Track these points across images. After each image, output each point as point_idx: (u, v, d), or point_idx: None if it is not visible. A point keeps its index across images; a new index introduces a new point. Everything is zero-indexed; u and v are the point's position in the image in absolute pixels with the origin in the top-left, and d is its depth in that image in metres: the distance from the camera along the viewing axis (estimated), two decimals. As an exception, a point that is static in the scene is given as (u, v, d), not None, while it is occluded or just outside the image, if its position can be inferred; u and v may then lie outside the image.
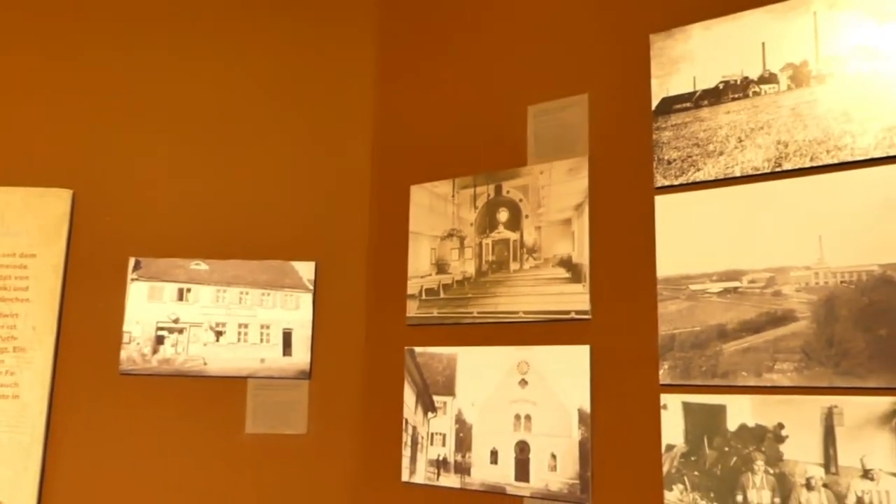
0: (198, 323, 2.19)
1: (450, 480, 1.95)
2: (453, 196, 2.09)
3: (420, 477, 2.01)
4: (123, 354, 2.17)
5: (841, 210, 1.51)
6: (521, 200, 1.97)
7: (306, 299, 2.22)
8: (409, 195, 2.18)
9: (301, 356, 2.19)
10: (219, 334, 2.19)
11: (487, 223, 2.02)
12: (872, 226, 1.47)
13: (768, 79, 1.64)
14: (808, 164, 1.56)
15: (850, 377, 1.45)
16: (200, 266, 2.22)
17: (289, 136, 2.33)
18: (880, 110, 1.49)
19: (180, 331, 2.18)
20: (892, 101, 1.48)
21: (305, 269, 2.24)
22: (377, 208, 2.27)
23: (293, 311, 2.21)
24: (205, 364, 2.17)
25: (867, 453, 1.40)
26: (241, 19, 2.39)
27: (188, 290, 2.21)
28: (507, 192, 2.00)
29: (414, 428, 2.05)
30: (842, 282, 1.49)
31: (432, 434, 2.01)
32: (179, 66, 2.36)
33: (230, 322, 2.19)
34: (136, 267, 2.21)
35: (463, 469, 1.93)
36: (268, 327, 2.20)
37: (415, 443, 2.04)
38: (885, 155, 1.47)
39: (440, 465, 1.98)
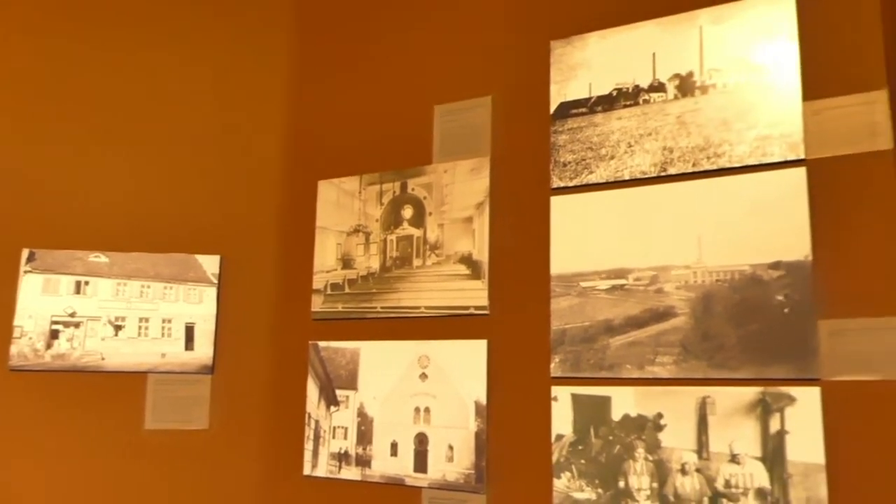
0: (96, 317, 2.15)
1: (351, 473, 1.98)
2: (360, 192, 2.12)
3: (322, 470, 2.03)
4: (14, 350, 2.10)
5: (718, 213, 1.61)
6: (425, 198, 2.01)
7: (210, 293, 2.20)
8: (317, 190, 2.19)
9: (204, 350, 2.17)
10: (118, 328, 2.15)
11: (392, 220, 2.06)
12: (745, 229, 1.57)
13: (657, 88, 1.73)
14: (690, 170, 1.66)
15: (723, 369, 1.55)
16: (100, 258, 2.18)
17: (197, 130, 2.31)
18: (755, 120, 1.60)
19: (77, 325, 2.13)
20: (765, 112, 1.59)
21: (210, 263, 2.22)
22: (285, 203, 2.27)
23: (196, 305, 2.19)
24: (102, 359, 2.13)
25: (735, 439, 1.51)
26: (150, 10, 2.35)
27: (86, 283, 2.16)
28: (412, 189, 2.04)
29: (317, 422, 2.06)
30: (717, 280, 1.59)
31: (334, 428, 2.03)
32: (83, 55, 2.30)
33: (130, 316, 2.16)
34: (30, 258, 2.15)
35: (364, 462, 1.96)
36: (170, 321, 2.17)
37: (317, 437, 2.05)
38: (758, 162, 1.58)
39: (342, 458, 2.00)
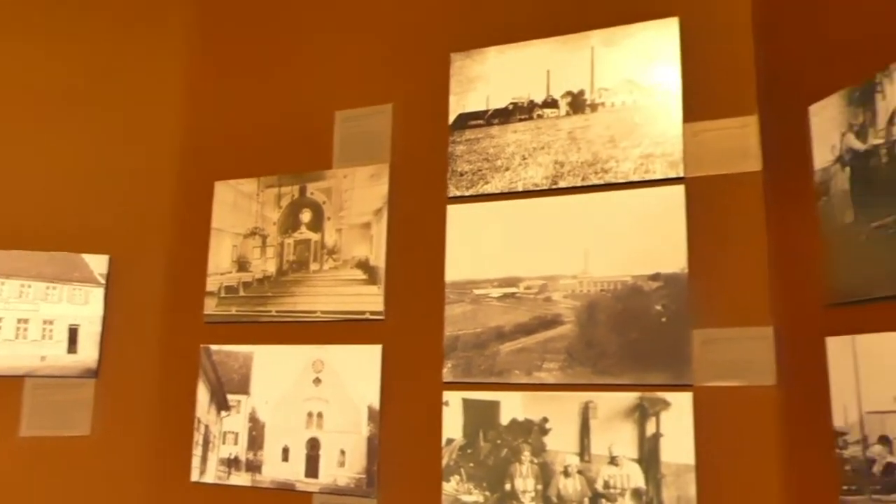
0: (-31, 317, 2.03)
1: (241, 479, 1.95)
2: (258, 194, 2.10)
3: (210, 476, 1.99)
4: None
5: (604, 226, 1.69)
6: (324, 203, 2.01)
7: (97, 294, 2.12)
8: (214, 191, 2.15)
9: (88, 353, 2.08)
10: (-6, 329, 2.04)
11: (290, 223, 2.04)
12: (628, 241, 1.66)
13: (551, 104, 1.80)
14: (579, 184, 1.73)
15: (605, 375, 1.63)
16: (-24, 255, 2.06)
17: (87, 124, 2.22)
18: (639, 139, 1.69)
19: (-53, 325, 2.01)
20: (649, 131, 1.68)
21: (97, 263, 2.14)
22: (179, 203, 2.21)
23: (82, 306, 2.11)
24: (-25, 361, 2.01)
25: (614, 442, 1.58)
26: (43, 4, 2.25)
27: (-41, 281, 2.04)
28: (312, 193, 2.03)
29: (206, 427, 2.02)
30: (601, 290, 1.66)
31: (225, 433, 2.00)
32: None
33: (7, 317, 2.05)
34: None
35: (254, 467, 1.94)
36: (51, 323, 2.08)
37: (206, 442, 2.01)
38: (641, 179, 1.67)
39: (231, 463, 1.97)
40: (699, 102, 1.67)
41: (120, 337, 2.13)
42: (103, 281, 2.13)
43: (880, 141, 1.28)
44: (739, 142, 1.63)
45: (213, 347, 2.05)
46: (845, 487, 1.27)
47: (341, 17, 2.11)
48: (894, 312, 1.22)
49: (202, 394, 2.04)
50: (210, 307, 2.08)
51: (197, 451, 2.02)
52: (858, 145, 1.32)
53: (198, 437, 2.03)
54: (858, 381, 1.26)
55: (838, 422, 1.30)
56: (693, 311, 1.58)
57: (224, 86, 2.23)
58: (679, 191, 1.64)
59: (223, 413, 2.01)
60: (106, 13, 2.29)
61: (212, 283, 2.10)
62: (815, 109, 1.43)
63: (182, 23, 2.32)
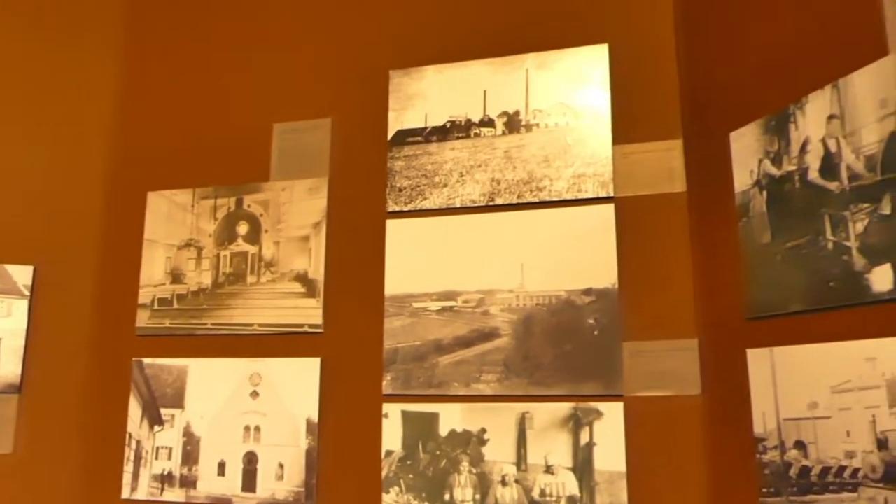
0: None
1: (174, 494, 1.92)
2: (193, 206, 2.07)
3: (142, 493, 1.95)
4: None
5: (539, 242, 1.75)
6: (261, 215, 2.01)
7: (20, 306, 2.05)
8: (147, 202, 2.11)
9: (10, 368, 2.01)
10: None
11: (227, 235, 2.03)
12: (562, 257, 1.73)
13: (487, 123, 1.86)
14: (515, 201, 1.79)
15: (541, 386, 1.69)
16: None
17: (12, 132, 2.15)
18: (572, 159, 1.77)
19: None
20: (581, 152, 1.76)
21: (21, 274, 2.07)
22: (110, 213, 2.16)
23: (4, 318, 2.03)
24: None
25: (550, 451, 1.65)
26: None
27: None
28: (249, 205, 2.03)
29: (138, 442, 1.99)
30: (537, 304, 1.73)
31: (158, 448, 1.96)
32: None
33: (-77, 331, 1.96)
34: None
35: (189, 482, 1.92)
36: (-29, 337, 2.00)
37: (138, 458, 1.98)
38: (574, 198, 1.75)
39: (165, 479, 1.94)
40: (628, 126, 1.76)
41: (45, 351, 2.06)
42: (27, 293, 2.07)
43: (793, 167, 1.38)
44: (665, 164, 1.72)
45: (146, 361, 2.01)
46: (765, 490, 1.37)
47: (281, 30, 2.11)
48: (808, 326, 1.32)
49: (134, 409, 2.00)
50: (142, 320, 2.05)
51: (128, 468, 1.98)
52: (774, 171, 1.43)
53: (129, 453, 1.99)
54: (776, 390, 1.36)
55: (758, 429, 1.39)
56: (623, 325, 1.67)
57: (158, 94, 2.19)
58: (609, 209, 1.72)
59: (156, 428, 1.97)
60: (35, 17, 2.22)
61: (144, 296, 2.06)
62: (735, 136, 1.53)
63: (115, 28, 2.26)
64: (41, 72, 2.20)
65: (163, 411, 1.98)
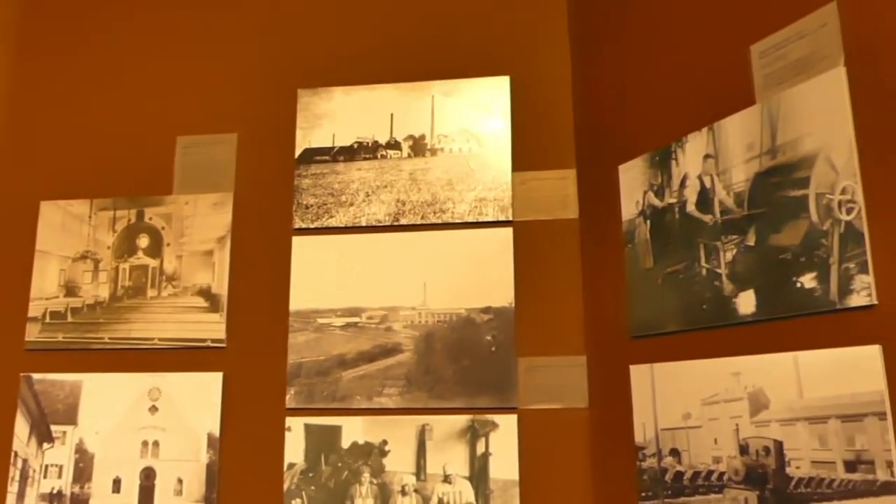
0: None
1: (64, 514, 1.87)
2: (90, 217, 2.03)
3: (28, 513, 1.89)
4: None
5: (441, 262, 1.83)
6: (163, 228, 1.99)
7: None
8: (39, 211, 2.05)
9: None
10: None
11: (126, 248, 2.00)
12: (463, 277, 1.82)
13: (394, 145, 1.93)
14: (419, 222, 1.87)
15: (441, 399, 1.77)
16: None
17: None
18: (474, 184, 1.86)
19: None
20: (482, 178, 1.86)
21: None
22: (-3, 222, 2.08)
23: None
24: None
25: (448, 461, 1.72)
26: None
27: None
28: (150, 218, 2.01)
29: (24, 461, 1.92)
30: (438, 321, 1.81)
31: (47, 466, 1.90)
32: None
33: None
34: None
35: (80, 501, 1.87)
36: None
37: (24, 477, 1.91)
38: (475, 220, 1.84)
39: (54, 498, 1.88)
40: (526, 154, 1.87)
41: (-78, 365, 1.96)
42: None
43: (674, 200, 1.53)
44: (560, 192, 1.85)
45: (36, 376, 1.95)
46: (643, 494, 1.50)
47: (188, 42, 2.10)
48: (684, 344, 1.46)
49: (21, 426, 1.93)
50: (32, 334, 1.98)
51: (12, 488, 1.90)
52: (657, 202, 1.57)
53: (14, 472, 1.91)
54: (655, 403, 1.49)
55: (639, 438, 1.52)
56: (518, 342, 1.77)
57: (53, 99, 2.13)
58: (508, 233, 1.83)
59: (45, 445, 1.91)
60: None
61: (35, 309, 1.99)
62: (623, 168, 1.67)
63: (8, 27, 2.19)
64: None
65: (53, 428, 1.92)
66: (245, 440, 1.84)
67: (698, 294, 1.43)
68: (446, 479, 1.72)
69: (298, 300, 1.87)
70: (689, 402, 1.41)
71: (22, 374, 1.96)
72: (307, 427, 1.80)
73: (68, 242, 2.02)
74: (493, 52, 1.95)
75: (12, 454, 1.92)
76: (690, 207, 1.48)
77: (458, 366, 1.78)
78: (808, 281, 1.23)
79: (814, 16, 1.27)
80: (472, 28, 1.98)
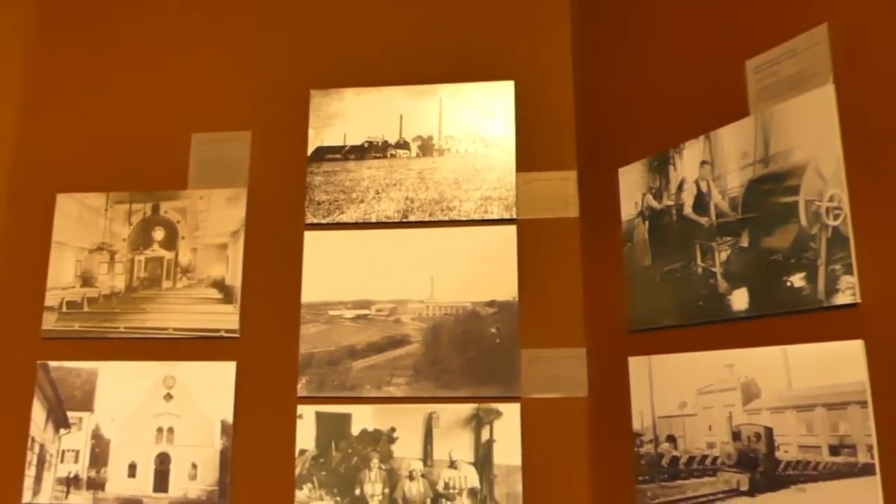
0: None
1: (81, 497, 1.94)
2: (106, 210, 2.09)
3: (46, 496, 1.95)
4: None
5: (448, 258, 1.92)
6: (178, 222, 2.06)
7: (-85, 307, 2.00)
8: (56, 203, 2.11)
9: None
10: None
11: (142, 240, 2.07)
12: (468, 272, 1.91)
13: (403, 145, 2.01)
14: (427, 219, 1.95)
15: (447, 389, 1.86)
16: None
17: None
18: (480, 183, 1.95)
19: None
20: (488, 177, 1.95)
21: (-84, 274, 2.01)
22: (14, 213, 2.13)
23: None
24: None
25: (454, 448, 1.82)
26: None
27: None
28: (165, 212, 2.07)
29: (41, 446, 1.98)
30: (445, 314, 1.90)
31: (63, 451, 1.97)
32: None
33: None
34: None
35: (97, 485, 1.94)
36: None
37: (41, 461, 1.97)
38: (481, 218, 1.93)
39: (70, 482, 1.95)
40: (530, 156, 1.97)
41: (-60, 352, 2.02)
42: (-78, 293, 2.01)
43: (671, 203, 1.62)
44: (562, 192, 1.94)
45: (52, 364, 2.01)
46: (640, 478, 1.60)
47: (204, 42, 2.17)
48: (680, 337, 1.56)
49: (38, 412, 2.00)
50: (49, 322, 2.04)
51: (30, 472, 1.97)
52: (655, 205, 1.67)
53: (31, 457, 1.98)
54: (652, 392, 1.59)
55: (636, 425, 1.62)
56: (521, 334, 1.86)
57: (71, 94, 2.19)
58: (512, 230, 1.92)
59: (62, 431, 1.98)
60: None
61: (52, 298, 2.06)
62: (623, 171, 1.77)
63: (25, 19, 2.24)
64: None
65: (70, 414, 1.99)
66: (258, 427, 1.91)
67: (694, 291, 1.54)
68: (452, 464, 1.81)
69: (310, 293, 1.95)
70: (685, 392, 1.52)
71: (39, 362, 2.02)
72: (318, 415, 1.89)
73: (84, 234, 2.09)
74: (498, 58, 2.04)
75: (30, 439, 1.99)
76: (687, 210, 1.58)
77: (464, 357, 1.87)
78: (797, 280, 1.33)
79: (806, 35, 1.37)
80: (479, 34, 2.06)
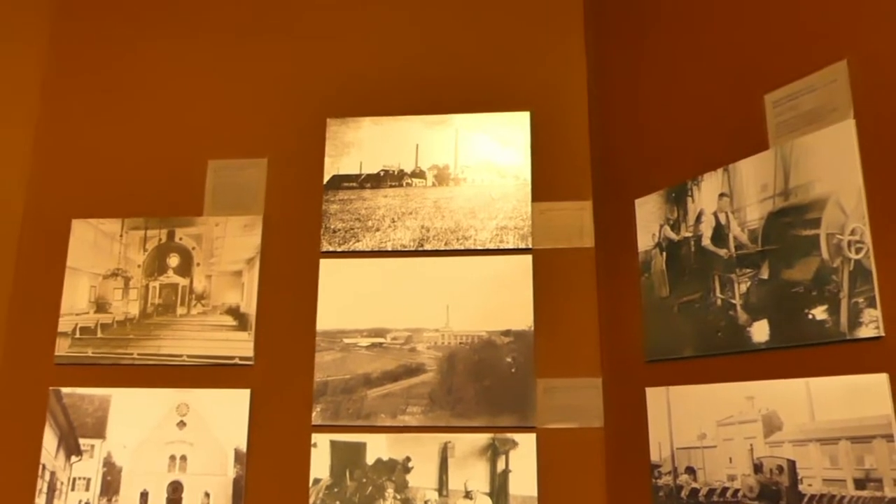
0: None
1: (91, 525, 1.92)
2: (122, 236, 2.10)
3: (55, 524, 1.94)
4: None
5: (463, 287, 1.93)
6: (193, 248, 2.07)
7: (-72, 332, 1.99)
8: (71, 229, 2.11)
9: (-84, 395, 1.95)
10: None
11: (157, 266, 2.07)
12: (484, 301, 1.91)
13: (419, 174, 2.03)
14: (443, 248, 1.96)
15: (462, 418, 1.85)
16: None
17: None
18: (496, 213, 1.96)
19: None
20: (503, 207, 1.96)
21: (-70, 298, 2.01)
22: (28, 238, 2.13)
23: None
24: None
25: (469, 478, 1.81)
26: None
27: None
28: (181, 238, 2.08)
29: (52, 473, 1.97)
30: (460, 343, 1.90)
31: (74, 479, 1.95)
32: None
33: None
34: None
35: (107, 512, 1.92)
36: None
37: (52, 489, 1.96)
38: (496, 247, 1.94)
39: (81, 509, 1.93)
40: (545, 186, 1.98)
41: (-49, 378, 2.01)
42: (-64, 318, 2.01)
43: (689, 234, 1.64)
44: (577, 222, 1.95)
45: (65, 390, 2.01)
46: (659, 510, 1.59)
47: (221, 69, 2.19)
48: (699, 368, 1.57)
49: (49, 439, 1.99)
50: (62, 348, 2.04)
51: (40, 500, 1.95)
52: (673, 236, 1.68)
53: (41, 485, 1.96)
54: (671, 423, 1.59)
55: (654, 456, 1.62)
56: (537, 364, 1.87)
57: (86, 120, 2.20)
58: (527, 260, 1.93)
59: (74, 458, 1.97)
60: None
61: (65, 324, 2.05)
62: (639, 202, 1.78)
63: (41, 44, 2.26)
64: (-37, 92, 2.16)
65: (81, 441, 1.98)
66: (272, 455, 1.91)
67: (713, 322, 1.54)
68: (468, 494, 1.80)
69: (325, 321, 1.95)
70: (705, 423, 1.52)
71: (51, 388, 2.01)
72: (333, 443, 1.88)
73: (99, 260, 2.09)
74: (514, 89, 2.06)
75: (40, 467, 1.97)
76: (706, 241, 1.59)
77: (480, 386, 1.87)
78: (819, 313, 1.34)
79: (825, 72, 1.39)
80: (495, 65, 2.09)
